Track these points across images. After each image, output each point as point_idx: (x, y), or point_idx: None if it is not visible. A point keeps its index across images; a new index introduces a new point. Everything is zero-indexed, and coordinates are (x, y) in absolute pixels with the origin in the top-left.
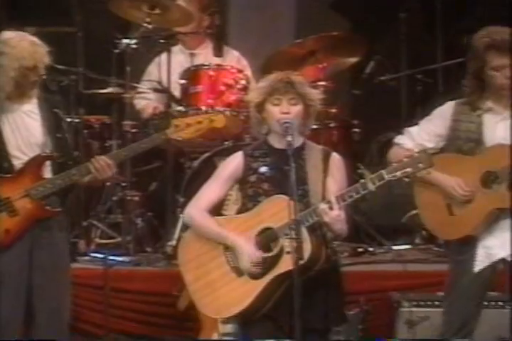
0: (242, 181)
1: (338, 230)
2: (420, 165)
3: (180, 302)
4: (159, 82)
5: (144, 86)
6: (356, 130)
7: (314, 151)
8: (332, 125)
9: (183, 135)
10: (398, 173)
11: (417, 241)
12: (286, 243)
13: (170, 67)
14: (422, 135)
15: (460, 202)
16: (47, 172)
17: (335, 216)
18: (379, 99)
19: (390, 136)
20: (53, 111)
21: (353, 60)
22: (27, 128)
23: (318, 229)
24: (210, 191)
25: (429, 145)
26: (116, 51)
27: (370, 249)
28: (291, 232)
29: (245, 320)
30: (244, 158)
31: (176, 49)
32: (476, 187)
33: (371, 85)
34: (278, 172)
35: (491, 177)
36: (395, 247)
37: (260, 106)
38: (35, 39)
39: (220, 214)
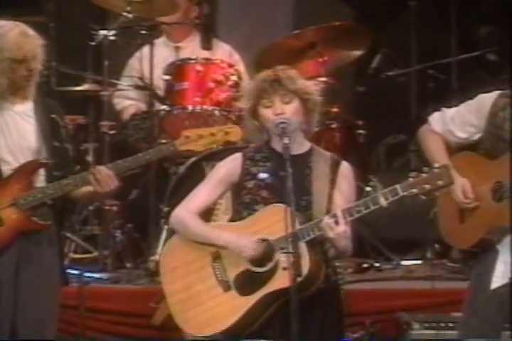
0: (238, 186)
1: (342, 247)
2: (440, 182)
3: (157, 315)
4: (141, 78)
5: (123, 82)
6: (361, 131)
7: (322, 159)
8: (334, 126)
9: (193, 147)
10: (415, 190)
11: (429, 255)
12: (282, 257)
13: (153, 61)
14: (455, 121)
15: (466, 209)
16: (40, 182)
17: (340, 232)
18: (386, 97)
19: (398, 138)
20: (50, 117)
21: (357, 53)
22: (19, 131)
23: (318, 245)
24: (202, 193)
25: (461, 134)
26: (93, 43)
27: (377, 265)
28: (288, 246)
29: (230, 338)
30: (243, 161)
31: (160, 41)
32: (485, 197)
33: (377, 81)
34: (279, 179)
35: (501, 188)
36: (404, 262)
37: (254, 112)
38: (27, 29)
39: None
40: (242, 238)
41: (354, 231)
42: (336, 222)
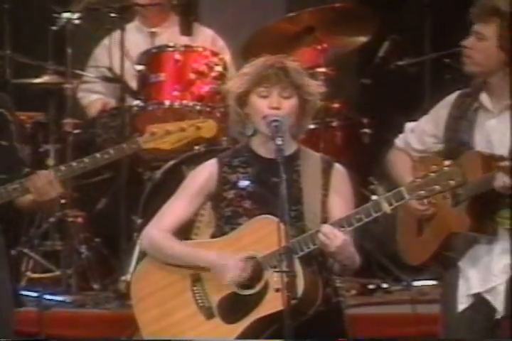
0: (216, 198)
1: (346, 260)
2: (451, 182)
3: None
4: (110, 69)
5: (89, 74)
6: (366, 130)
7: (311, 161)
8: (334, 124)
9: (160, 145)
10: (422, 192)
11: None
12: (272, 277)
13: (124, 49)
14: (414, 132)
15: (423, 219)
16: None
17: (339, 244)
18: (396, 91)
19: None
20: None
21: (362, 39)
22: None
23: (314, 261)
24: (176, 208)
25: (418, 146)
26: (54, 28)
27: (385, 286)
28: (280, 264)
29: None
30: (219, 168)
31: (132, 26)
32: (443, 203)
33: (385, 73)
34: (263, 187)
35: (457, 192)
36: (416, 283)
37: (243, 99)
38: None
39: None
40: (226, 257)
41: (357, 246)
42: (333, 233)
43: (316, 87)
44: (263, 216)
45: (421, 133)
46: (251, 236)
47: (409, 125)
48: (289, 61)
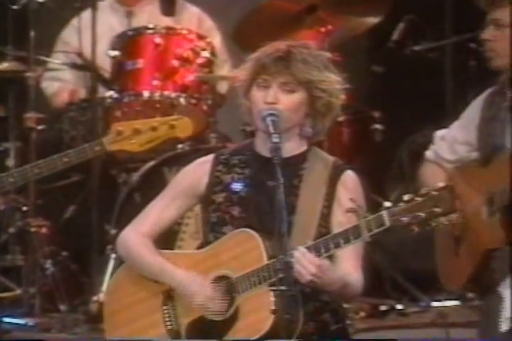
0: (204, 200)
1: (329, 289)
2: (437, 209)
3: None
4: (79, 55)
5: (56, 60)
6: (378, 126)
7: (320, 165)
8: (341, 119)
9: (128, 147)
10: (405, 219)
11: (469, 295)
12: (245, 302)
13: (95, 31)
14: (446, 141)
15: (455, 234)
16: None
17: (315, 271)
18: (412, 80)
19: (429, 135)
20: None
21: (373, 20)
22: None
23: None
24: (158, 209)
25: (450, 157)
26: (15, 8)
27: (399, 307)
28: (246, 289)
29: None
30: (213, 166)
31: (105, 5)
32: (479, 214)
33: (400, 59)
34: (257, 192)
35: (494, 199)
36: (435, 304)
37: (247, 90)
38: None
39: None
40: (192, 279)
41: (368, 261)
42: (308, 259)
43: (332, 83)
44: (242, 229)
45: (452, 142)
46: (229, 252)
47: (439, 133)
48: (300, 49)
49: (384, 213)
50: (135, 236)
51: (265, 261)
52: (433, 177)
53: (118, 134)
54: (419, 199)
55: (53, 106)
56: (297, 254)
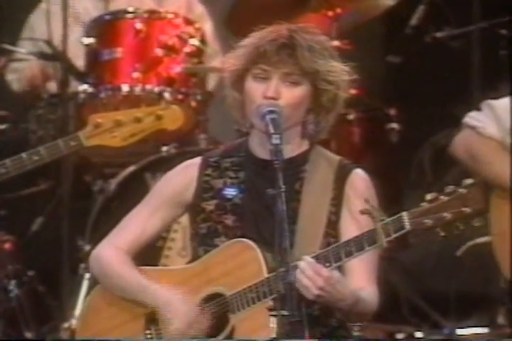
0: (193, 209)
1: (337, 306)
2: (465, 209)
3: None
4: (48, 42)
5: (22, 49)
6: (394, 126)
7: (324, 166)
8: (351, 117)
9: (108, 141)
10: (428, 221)
11: (500, 320)
12: (242, 323)
13: (67, 15)
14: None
15: None
16: None
17: (323, 284)
18: (433, 72)
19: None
20: None
21: (388, 2)
22: None
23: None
24: (138, 221)
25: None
26: None
27: (419, 335)
28: (243, 306)
29: None
30: (201, 170)
31: None
32: None
33: (419, 47)
34: (254, 198)
35: None
36: (460, 331)
37: (238, 81)
38: None
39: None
40: (178, 299)
41: (383, 281)
42: (315, 270)
43: (339, 74)
44: (237, 239)
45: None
46: (222, 266)
47: (498, 105)
48: (303, 34)
49: (404, 215)
50: (111, 253)
51: (265, 274)
52: (503, 157)
53: (96, 127)
54: (444, 198)
55: (19, 102)
56: (303, 265)
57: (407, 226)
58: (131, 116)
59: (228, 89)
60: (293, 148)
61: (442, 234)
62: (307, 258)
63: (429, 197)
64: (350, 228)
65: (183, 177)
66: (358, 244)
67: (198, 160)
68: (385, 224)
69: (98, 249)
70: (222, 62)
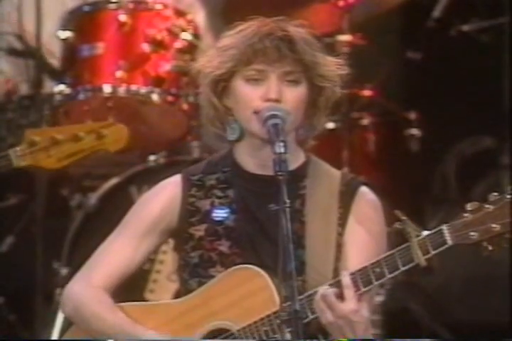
0: (178, 235)
1: (358, 335)
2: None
3: None
4: (20, 37)
5: None
6: (414, 132)
7: (325, 181)
8: (365, 122)
9: (42, 162)
10: (474, 234)
11: None
12: None
13: (40, 6)
14: None
15: None
16: None
17: (346, 313)
18: (458, 70)
19: (481, 143)
20: None
21: None
22: None
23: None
24: (115, 252)
25: None
26: None
27: None
28: (265, 337)
29: None
30: (184, 190)
31: None
32: None
33: (443, 42)
34: (248, 219)
35: None
36: None
37: (221, 85)
38: None
39: (143, 300)
40: None
41: (400, 309)
42: (340, 296)
43: (334, 68)
44: (241, 266)
45: None
46: (225, 297)
47: None
48: (294, 27)
49: (444, 228)
50: (86, 291)
51: (277, 304)
52: None
53: (31, 145)
54: (489, 207)
55: None
56: (326, 292)
57: (449, 241)
58: (69, 134)
59: (207, 96)
60: (291, 159)
61: (490, 248)
62: (328, 285)
63: (470, 207)
64: (353, 250)
65: (164, 201)
66: (391, 264)
67: (177, 178)
68: (422, 240)
69: (70, 287)
70: (199, 66)
